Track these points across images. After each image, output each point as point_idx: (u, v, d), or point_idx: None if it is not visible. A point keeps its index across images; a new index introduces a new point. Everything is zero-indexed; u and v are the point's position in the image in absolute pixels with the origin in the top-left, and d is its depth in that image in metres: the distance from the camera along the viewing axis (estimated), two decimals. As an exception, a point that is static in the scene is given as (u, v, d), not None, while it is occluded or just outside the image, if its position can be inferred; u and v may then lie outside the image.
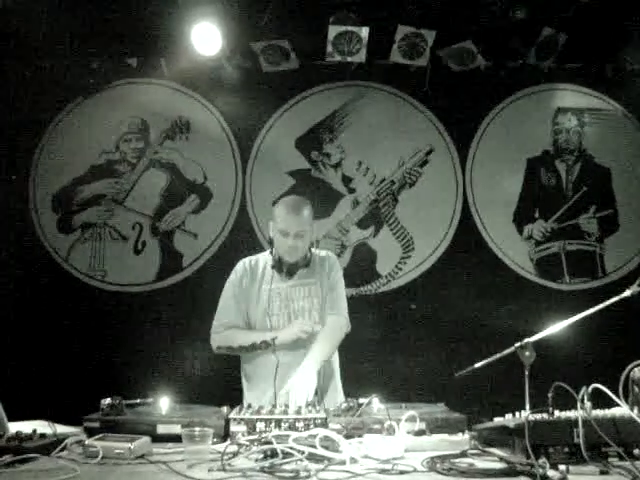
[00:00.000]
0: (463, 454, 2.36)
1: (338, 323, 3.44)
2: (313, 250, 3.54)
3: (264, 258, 3.54)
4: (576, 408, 2.31)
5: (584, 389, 2.34)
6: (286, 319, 3.43)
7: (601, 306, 2.76)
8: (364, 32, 5.06)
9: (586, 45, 5.41)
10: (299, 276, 3.46)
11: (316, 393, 3.13)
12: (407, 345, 5.43)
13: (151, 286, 5.67)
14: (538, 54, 5.39)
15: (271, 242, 3.49)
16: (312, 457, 2.22)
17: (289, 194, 4.73)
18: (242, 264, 3.54)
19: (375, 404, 2.80)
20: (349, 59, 5.28)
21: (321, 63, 5.53)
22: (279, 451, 2.23)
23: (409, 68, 5.50)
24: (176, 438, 2.45)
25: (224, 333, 3.45)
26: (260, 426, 2.48)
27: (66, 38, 5.19)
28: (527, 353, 2.67)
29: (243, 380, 3.56)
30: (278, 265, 3.42)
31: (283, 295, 3.44)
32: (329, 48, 5.17)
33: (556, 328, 2.74)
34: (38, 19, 4.98)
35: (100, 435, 2.44)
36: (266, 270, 3.48)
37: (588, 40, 5.34)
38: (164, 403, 2.90)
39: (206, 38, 5.09)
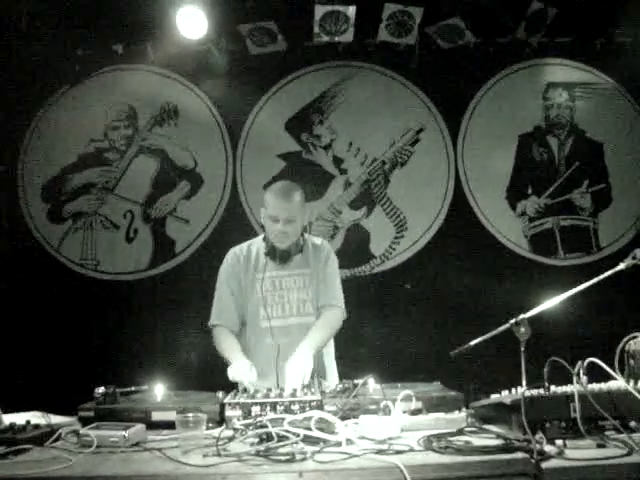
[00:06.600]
0: (460, 432, 2.36)
1: (335, 316, 3.43)
2: (306, 236, 3.50)
3: (257, 244, 3.51)
4: (572, 383, 2.32)
5: (580, 363, 2.34)
6: (280, 309, 3.40)
7: (595, 280, 2.75)
8: (351, 11, 5.01)
9: (576, 19, 5.36)
10: (294, 264, 3.43)
11: (312, 377, 3.12)
12: (402, 325, 5.43)
13: (144, 274, 5.65)
14: (527, 29, 5.36)
15: (263, 228, 3.46)
16: (308, 439, 2.22)
17: (280, 177, 4.72)
18: (232, 253, 3.50)
19: (371, 384, 2.80)
20: (337, 39, 5.25)
21: (308, 44, 5.48)
22: (274, 434, 2.22)
23: (398, 46, 5.46)
24: (171, 425, 2.42)
25: (214, 332, 3.40)
26: (255, 410, 2.47)
27: (50, 25, 5.12)
28: (522, 329, 2.67)
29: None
30: (272, 252, 3.39)
31: (277, 284, 3.41)
32: (316, 28, 5.13)
33: (551, 303, 2.74)
34: (22, 6, 4.93)
35: (94, 424, 2.42)
36: (259, 257, 3.45)
37: (578, 14, 5.29)
38: (158, 390, 2.91)
39: (191, 22, 5.05)
